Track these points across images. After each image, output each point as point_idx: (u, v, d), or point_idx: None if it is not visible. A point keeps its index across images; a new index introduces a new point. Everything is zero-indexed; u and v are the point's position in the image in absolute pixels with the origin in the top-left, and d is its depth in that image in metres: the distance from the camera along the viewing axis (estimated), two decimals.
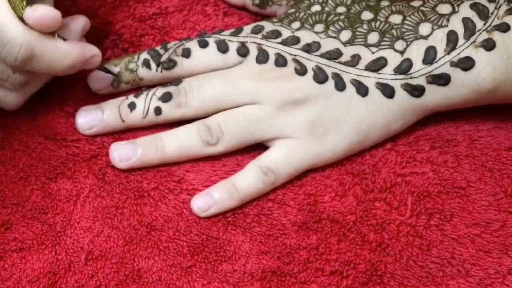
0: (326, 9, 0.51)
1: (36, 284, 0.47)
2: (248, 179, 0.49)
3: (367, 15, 0.50)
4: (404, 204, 0.49)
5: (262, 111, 0.49)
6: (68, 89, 0.52)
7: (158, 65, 0.51)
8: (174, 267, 0.48)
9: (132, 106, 0.51)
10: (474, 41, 0.48)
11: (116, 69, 0.52)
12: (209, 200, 0.49)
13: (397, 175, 0.50)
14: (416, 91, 0.49)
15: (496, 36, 0.48)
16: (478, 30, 0.48)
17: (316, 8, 0.51)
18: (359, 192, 0.49)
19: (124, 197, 0.50)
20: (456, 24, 0.48)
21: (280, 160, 0.49)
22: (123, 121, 0.51)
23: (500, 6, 0.48)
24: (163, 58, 0.51)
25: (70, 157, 0.51)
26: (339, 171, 0.50)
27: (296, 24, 0.51)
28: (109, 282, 0.47)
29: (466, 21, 0.48)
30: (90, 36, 0.51)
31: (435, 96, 0.49)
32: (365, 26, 0.50)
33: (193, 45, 0.51)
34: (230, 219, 0.49)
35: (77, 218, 0.49)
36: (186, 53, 0.51)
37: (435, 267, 0.47)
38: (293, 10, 0.52)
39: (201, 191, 0.49)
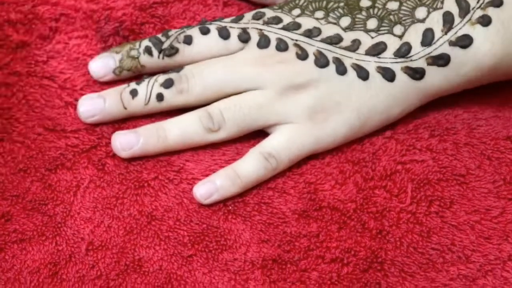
0: None
1: (37, 275, 0.47)
2: (250, 166, 0.49)
3: (365, 3, 0.51)
4: (404, 192, 0.49)
5: (263, 97, 0.50)
6: (68, 78, 0.52)
7: (160, 52, 0.51)
8: (175, 257, 0.48)
9: (134, 93, 0.51)
10: (470, 19, 0.48)
11: (117, 57, 0.52)
12: (211, 187, 0.49)
13: (397, 163, 0.50)
14: (417, 73, 0.49)
15: (491, 11, 0.48)
16: (473, 8, 0.48)
17: None
18: (359, 180, 0.49)
19: (124, 187, 0.50)
20: (450, 5, 0.49)
21: (281, 145, 0.49)
22: (125, 108, 0.51)
23: None
24: (165, 45, 0.51)
25: (69, 148, 0.51)
26: (339, 159, 0.50)
27: (297, 11, 0.51)
28: (110, 272, 0.47)
29: (460, 1, 0.49)
30: (90, 21, 0.51)
31: (436, 77, 0.49)
32: (363, 12, 0.50)
33: (194, 32, 0.51)
34: (230, 208, 0.49)
35: (77, 209, 0.49)
36: (188, 40, 0.51)
37: (435, 254, 0.47)
38: None
39: (201, 180, 0.50)
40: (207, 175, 0.50)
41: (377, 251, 0.47)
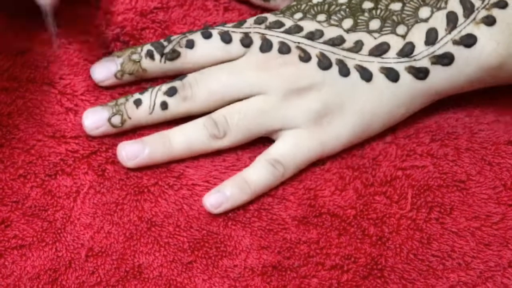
0: (328, 0, 0.51)
1: (37, 281, 0.47)
2: (258, 173, 0.49)
3: (368, 4, 0.51)
4: (404, 198, 0.49)
5: (267, 102, 0.50)
6: (68, 84, 0.52)
7: (161, 56, 0.51)
8: (175, 263, 0.48)
9: (138, 102, 0.50)
10: (474, 19, 0.48)
11: (119, 60, 0.52)
12: (220, 196, 0.49)
13: (397, 169, 0.50)
14: (420, 73, 0.49)
15: (496, 12, 0.48)
16: (477, 8, 0.48)
17: None
18: (359, 186, 0.49)
19: (124, 193, 0.50)
20: (454, 5, 0.49)
21: (287, 151, 0.49)
22: (130, 118, 0.51)
23: None
24: (167, 49, 0.51)
25: (69, 154, 0.50)
26: (339, 165, 0.50)
27: (299, 15, 0.51)
28: (109, 278, 0.47)
29: (464, 1, 0.49)
30: (91, 26, 0.50)
31: (439, 77, 0.49)
32: (366, 14, 0.50)
33: (196, 36, 0.52)
34: (230, 214, 0.49)
35: (77, 215, 0.49)
36: (190, 44, 0.51)
37: (435, 261, 0.47)
38: (294, 2, 0.52)
39: (201, 186, 0.49)
40: (207, 181, 0.50)
41: (377, 258, 0.47)
